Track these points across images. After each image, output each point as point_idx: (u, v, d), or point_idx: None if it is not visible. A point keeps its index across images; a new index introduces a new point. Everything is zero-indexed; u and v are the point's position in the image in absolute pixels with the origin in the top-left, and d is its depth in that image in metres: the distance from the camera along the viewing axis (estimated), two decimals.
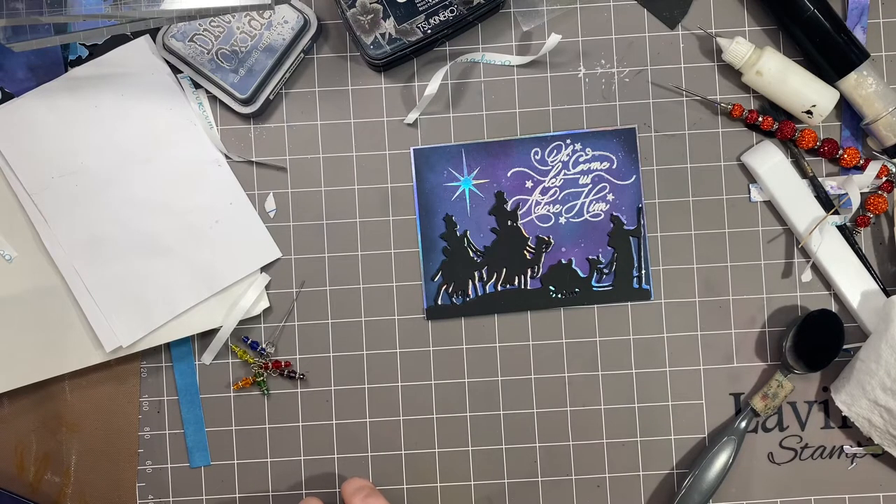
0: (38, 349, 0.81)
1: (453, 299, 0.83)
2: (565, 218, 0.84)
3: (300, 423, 0.84)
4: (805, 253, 0.83)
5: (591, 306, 0.84)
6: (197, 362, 0.84)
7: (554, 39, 0.82)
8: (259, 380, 0.83)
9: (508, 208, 0.84)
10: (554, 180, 0.84)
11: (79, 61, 0.84)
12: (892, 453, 0.81)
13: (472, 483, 0.83)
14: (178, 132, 0.83)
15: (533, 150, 0.84)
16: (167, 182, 0.82)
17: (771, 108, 0.83)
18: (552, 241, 0.83)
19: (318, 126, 0.84)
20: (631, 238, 0.83)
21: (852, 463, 0.83)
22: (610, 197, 0.84)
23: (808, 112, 0.81)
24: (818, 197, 0.83)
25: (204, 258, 0.82)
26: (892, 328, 0.77)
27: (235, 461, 0.84)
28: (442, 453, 0.84)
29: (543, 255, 0.83)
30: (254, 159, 0.84)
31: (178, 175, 0.83)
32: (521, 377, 0.83)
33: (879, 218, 0.84)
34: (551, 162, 0.84)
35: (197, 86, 0.83)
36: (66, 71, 0.83)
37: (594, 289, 0.83)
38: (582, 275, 0.83)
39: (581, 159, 0.84)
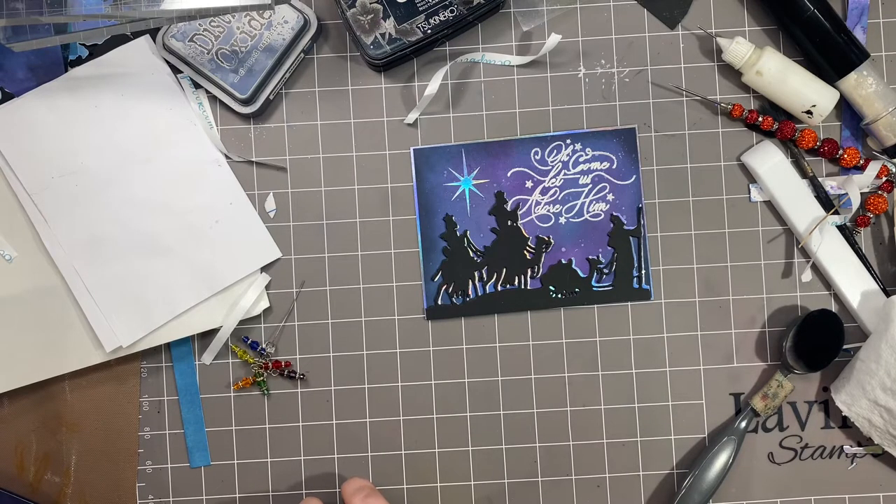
0: (38, 349, 0.81)
1: (453, 299, 0.83)
2: (565, 218, 0.84)
3: (300, 423, 0.84)
4: (805, 253, 0.83)
5: (591, 306, 0.84)
6: (197, 362, 0.84)
7: (554, 39, 0.82)
8: (259, 380, 0.83)
9: (508, 208, 0.84)
10: (554, 180, 0.84)
11: (79, 61, 0.84)
12: (892, 453, 0.81)
13: (472, 483, 0.83)
14: (178, 132, 0.83)
15: (533, 150, 0.84)
16: (167, 182, 0.82)
17: (771, 108, 0.83)
18: (552, 241, 0.83)
19: (318, 126, 0.84)
20: (631, 238, 0.83)
21: (852, 463, 0.83)
22: (610, 197, 0.84)
23: (808, 112, 0.81)
24: (818, 197, 0.83)
25: (204, 258, 0.82)
26: (892, 328, 0.77)
27: (235, 461, 0.84)
28: (442, 453, 0.84)
29: (543, 255, 0.83)
30: (254, 159, 0.84)
31: (178, 175, 0.83)
32: (521, 377, 0.84)
33: (879, 218, 0.84)
34: (551, 162, 0.84)
35: (197, 86, 0.83)
36: (66, 71, 0.83)
37: (594, 289, 0.83)
38: (582, 275, 0.83)
39: (581, 159, 0.84)
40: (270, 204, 0.84)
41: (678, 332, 0.84)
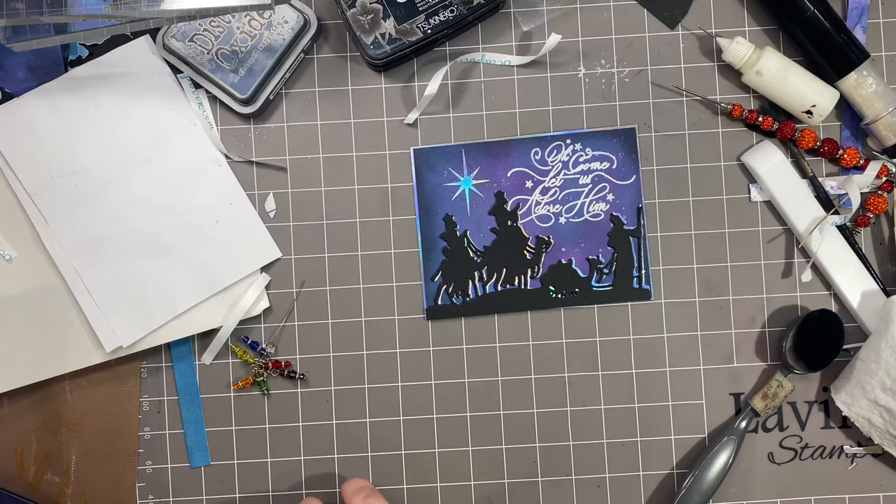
0: (38, 349, 0.81)
1: (453, 299, 0.83)
2: (565, 218, 0.84)
3: (300, 423, 0.84)
4: (805, 253, 0.83)
5: (591, 306, 0.84)
6: (197, 362, 0.84)
7: (554, 39, 0.82)
8: (259, 380, 0.83)
9: (508, 208, 0.84)
10: (554, 180, 0.84)
11: (79, 61, 0.84)
12: (892, 453, 0.81)
13: (472, 483, 0.83)
14: (178, 132, 0.83)
15: (533, 150, 0.84)
16: (167, 182, 0.82)
17: (771, 108, 0.83)
18: (552, 241, 0.83)
19: (318, 126, 0.84)
20: (631, 238, 0.83)
21: (852, 463, 0.83)
22: (610, 197, 0.84)
23: (808, 112, 0.81)
24: (818, 197, 0.83)
25: (204, 258, 0.82)
26: (892, 328, 0.77)
27: (235, 461, 0.84)
28: (442, 453, 0.84)
29: (543, 255, 0.83)
30: (254, 159, 0.84)
31: (178, 175, 0.83)
32: (521, 377, 0.83)
33: (879, 218, 0.84)
34: (551, 162, 0.84)
35: (197, 86, 0.83)
36: (66, 71, 0.83)
37: (594, 289, 0.83)
38: (582, 275, 0.83)
39: (581, 159, 0.84)
40: (270, 204, 0.84)
41: (678, 332, 0.84)
